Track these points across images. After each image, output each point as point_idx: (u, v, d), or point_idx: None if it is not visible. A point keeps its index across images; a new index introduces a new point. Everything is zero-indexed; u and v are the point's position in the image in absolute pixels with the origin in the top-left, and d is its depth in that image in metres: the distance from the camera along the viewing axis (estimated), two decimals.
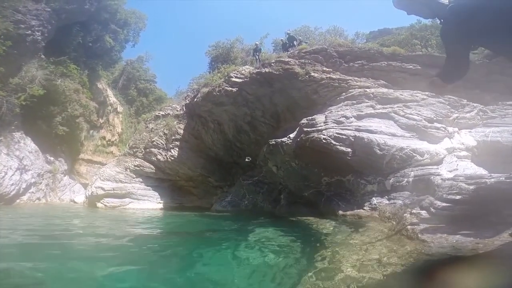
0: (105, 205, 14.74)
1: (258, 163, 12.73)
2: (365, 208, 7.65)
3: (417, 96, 9.74)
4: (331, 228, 6.69)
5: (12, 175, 14.61)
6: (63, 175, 19.34)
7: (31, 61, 17.42)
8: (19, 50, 16.05)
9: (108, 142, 27.58)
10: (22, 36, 16.32)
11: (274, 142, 10.66)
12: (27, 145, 16.68)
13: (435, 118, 9.09)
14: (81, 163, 24.26)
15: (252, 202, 13.32)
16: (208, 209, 14.23)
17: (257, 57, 15.33)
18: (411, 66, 11.45)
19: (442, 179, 5.77)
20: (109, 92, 29.08)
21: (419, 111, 9.16)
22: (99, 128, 26.59)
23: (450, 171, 7.17)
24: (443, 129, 8.82)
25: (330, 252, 4.34)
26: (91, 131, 25.38)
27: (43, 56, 18.55)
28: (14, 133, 16.14)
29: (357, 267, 3.15)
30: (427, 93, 9.89)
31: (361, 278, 2.84)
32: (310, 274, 3.54)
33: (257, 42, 16.53)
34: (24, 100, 16.02)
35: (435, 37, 13.73)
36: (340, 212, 8.30)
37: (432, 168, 7.31)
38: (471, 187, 3.91)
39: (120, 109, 29.98)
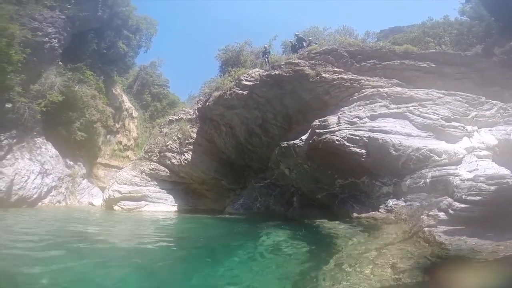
0: (121, 208, 15.11)
1: (270, 165, 12.72)
2: (380, 210, 7.50)
3: (432, 95, 9.49)
4: (345, 231, 6.60)
5: (35, 179, 15.23)
6: (82, 178, 19.99)
7: (49, 68, 18.03)
8: (38, 58, 16.58)
9: (125, 147, 28.30)
10: (40, 44, 16.88)
11: (286, 145, 10.63)
12: (48, 150, 17.35)
13: (452, 117, 8.81)
14: (99, 167, 24.99)
15: (264, 205, 13.31)
16: (221, 212, 14.34)
17: (266, 59, 15.37)
18: (425, 64, 11.17)
19: (461, 179, 5.59)
20: (124, 98, 29.88)
21: (436, 110, 8.91)
22: (115, 133, 27.34)
23: (470, 171, 6.93)
24: (462, 128, 8.54)
25: (344, 256, 4.29)
26: (108, 136, 26.12)
27: (60, 63, 19.19)
28: (36, 139, 16.80)
29: (372, 272, 3.10)
30: (443, 91, 9.62)
31: (376, 283, 2.79)
32: (324, 278, 3.51)
33: (265, 45, 16.55)
34: (44, 107, 16.63)
35: (448, 34, 13.34)
36: (355, 214, 8.17)
37: (450, 169, 7.09)
38: (492, 187, 3.78)
39: (135, 114, 30.74)
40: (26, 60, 15.26)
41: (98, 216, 13.16)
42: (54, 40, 18.04)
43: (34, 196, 15.02)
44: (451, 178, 6.26)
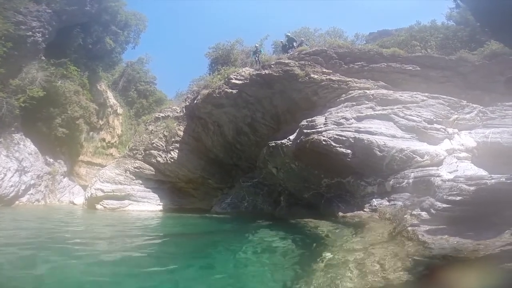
0: (104, 207, 14.69)
1: (258, 165, 12.71)
2: (365, 209, 7.62)
3: (417, 97, 9.74)
4: (331, 230, 6.66)
5: (11, 176, 14.56)
6: (62, 176, 19.27)
7: (31, 63, 17.36)
8: (19, 52, 16.01)
9: (108, 144, 27.52)
10: (22, 38, 16.29)
11: (274, 144, 10.64)
12: (27, 147, 16.63)
13: (435, 119, 9.08)
14: (81, 165, 24.20)
15: (252, 204, 13.30)
16: (208, 211, 14.20)
17: (256, 59, 15.35)
18: (410, 67, 11.45)
19: (442, 180, 5.75)
20: (109, 94, 29.03)
21: (419, 112, 9.14)
22: (99, 130, 26.53)
23: (450, 172, 7.15)
24: (443, 130, 8.81)
25: (330, 255, 4.31)
26: (91, 133, 25.33)
27: (43, 58, 18.48)
28: (13, 135, 16.10)
29: (357, 271, 3.12)
30: (427, 94, 9.90)
31: (361, 283, 2.80)
32: (310, 278, 3.51)
33: (256, 44, 16.49)
34: (24, 102, 15.97)
35: (434, 38, 13.71)
36: (340, 213, 8.28)
37: (432, 169, 7.29)
38: (472, 188, 3.89)
39: (120, 110, 29.93)
40: (7, 54, 14.78)
41: (79, 216, 12.74)
42: (38, 34, 17.43)
43: (11, 195, 14.38)
44: (432, 178, 6.43)
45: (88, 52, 24.07)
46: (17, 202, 14.74)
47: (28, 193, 15.68)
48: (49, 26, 18.27)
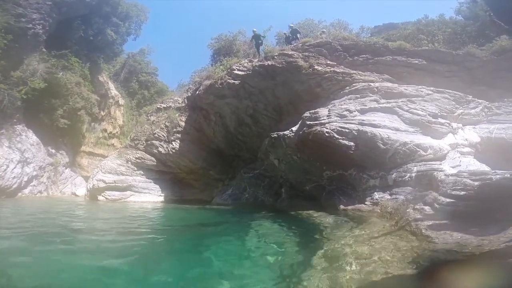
0: (106, 198, 14.77)
1: (259, 156, 12.69)
2: (366, 203, 7.61)
3: (422, 91, 9.62)
4: (332, 223, 6.67)
5: (14, 168, 14.62)
6: (64, 167, 19.36)
7: (32, 55, 17.38)
8: (20, 44, 16.06)
9: (110, 135, 27.56)
10: (23, 30, 16.32)
11: (276, 135, 10.59)
12: (29, 138, 16.68)
13: (439, 114, 8.98)
14: (83, 156, 24.29)
15: (253, 196, 13.33)
16: (209, 202, 14.28)
17: (255, 44, 15.09)
18: (416, 61, 11.28)
19: (445, 174, 5.70)
20: (111, 85, 28.92)
21: (424, 106, 9.04)
22: (100, 120, 26.52)
23: (453, 167, 7.10)
24: (447, 124, 8.72)
25: (330, 248, 4.32)
26: (93, 124, 25.34)
27: (44, 50, 18.50)
28: (15, 126, 16.15)
29: (358, 264, 3.11)
30: (432, 88, 9.77)
31: (363, 276, 2.80)
32: (310, 271, 3.51)
33: (254, 29, 15.42)
34: (25, 93, 16.02)
35: (442, 32, 13.45)
36: (342, 206, 8.27)
37: (435, 164, 7.23)
38: (476, 183, 3.85)
39: (121, 101, 29.85)
40: (7, 46, 14.89)
41: (82, 207, 12.84)
42: (38, 26, 17.45)
43: (14, 186, 14.46)
44: (435, 173, 6.37)
45: (89, 44, 23.95)
46: (19, 193, 14.82)
47: (31, 184, 15.77)
48: (49, 18, 18.27)
